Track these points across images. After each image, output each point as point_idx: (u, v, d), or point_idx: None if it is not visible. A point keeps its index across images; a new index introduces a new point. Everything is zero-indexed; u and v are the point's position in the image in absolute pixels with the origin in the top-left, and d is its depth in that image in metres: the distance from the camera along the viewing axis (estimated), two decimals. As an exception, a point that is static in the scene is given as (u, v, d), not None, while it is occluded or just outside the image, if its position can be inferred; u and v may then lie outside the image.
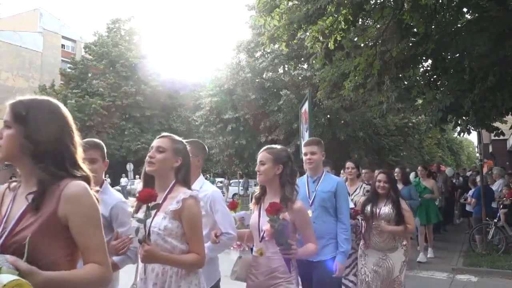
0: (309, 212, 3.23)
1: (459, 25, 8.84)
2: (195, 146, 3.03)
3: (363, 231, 4.34)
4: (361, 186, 5.15)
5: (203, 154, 3.21)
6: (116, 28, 37.57)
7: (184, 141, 2.62)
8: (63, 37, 44.88)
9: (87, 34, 46.73)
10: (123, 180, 29.54)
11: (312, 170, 3.63)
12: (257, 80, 23.18)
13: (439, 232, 10.87)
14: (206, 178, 3.40)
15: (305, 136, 10.26)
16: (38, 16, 42.97)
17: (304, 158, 3.64)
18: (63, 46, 44.93)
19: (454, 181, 14.34)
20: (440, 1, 7.20)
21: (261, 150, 2.97)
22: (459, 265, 7.55)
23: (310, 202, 3.51)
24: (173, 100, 36.39)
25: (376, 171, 4.39)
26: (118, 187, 26.28)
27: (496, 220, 8.33)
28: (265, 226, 2.58)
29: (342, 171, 7.48)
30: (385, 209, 4.17)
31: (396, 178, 6.79)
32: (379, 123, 22.67)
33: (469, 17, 9.21)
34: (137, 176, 30.28)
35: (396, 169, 7.57)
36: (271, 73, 23.34)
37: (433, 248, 8.51)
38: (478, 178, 9.54)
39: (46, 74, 40.29)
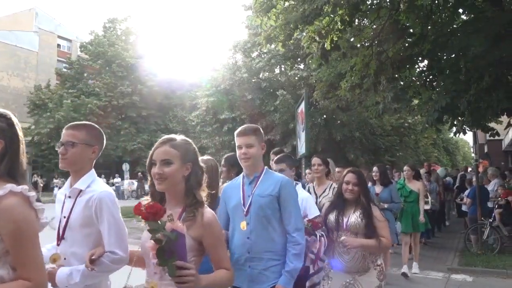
0: (243, 224, 2.66)
1: (455, 26, 8.88)
2: (89, 132, 2.30)
3: (323, 249, 3.22)
4: (331, 185, 4.52)
5: (99, 144, 2.38)
6: (112, 27, 37.47)
7: (77, 124, 2.29)
8: (59, 37, 44.71)
9: (83, 33, 46.73)
10: (116, 181, 28.83)
11: (249, 168, 2.78)
12: (253, 80, 23.19)
13: (429, 237, 10.11)
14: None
15: (302, 136, 10.29)
16: (33, 15, 42.78)
17: (238, 152, 2.77)
18: (58, 45, 44.76)
19: (445, 181, 13.88)
20: (436, 2, 7.24)
21: (158, 143, 2.04)
22: (455, 265, 7.58)
23: (245, 210, 2.70)
24: (169, 100, 36.32)
25: (345, 170, 3.53)
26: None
27: (491, 220, 8.37)
28: (148, 242, 1.74)
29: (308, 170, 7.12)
30: (353, 218, 3.28)
31: (375, 178, 6.34)
32: (375, 123, 22.72)
33: (465, 17, 9.26)
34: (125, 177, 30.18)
35: (374, 168, 6.52)
36: (267, 73, 23.36)
37: (418, 262, 7.27)
38: (474, 178, 9.58)
39: (42, 74, 40.12)
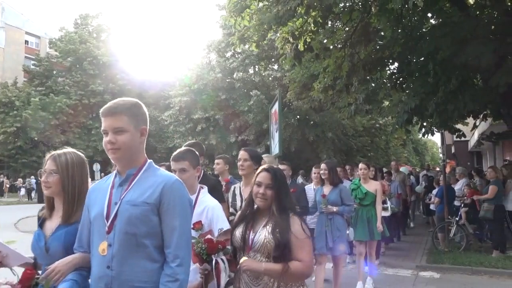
0: (103, 247, 1.85)
1: (424, 30, 9.11)
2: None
3: (223, 280, 2.36)
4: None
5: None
6: (83, 24, 36.66)
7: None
8: (27, 33, 43.41)
9: (53, 30, 45.37)
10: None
11: (119, 162, 1.93)
12: (227, 80, 23.17)
13: (392, 241, 9.28)
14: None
15: (275, 137, 10.33)
16: (0, 10, 41.39)
17: (103, 141, 1.93)
18: (26, 42, 43.47)
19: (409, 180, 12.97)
20: (406, 6, 7.40)
21: None
22: (423, 262, 7.77)
23: (107, 225, 1.86)
24: (142, 99, 34.90)
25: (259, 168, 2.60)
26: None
27: (457, 219, 8.63)
28: None
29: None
30: (262, 234, 2.35)
31: (323, 177, 5.46)
32: (347, 124, 23.10)
33: (433, 22, 9.51)
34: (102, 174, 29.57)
35: (322, 165, 5.54)
36: (241, 73, 23.38)
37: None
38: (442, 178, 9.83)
39: (9, 71, 38.84)
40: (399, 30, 9.12)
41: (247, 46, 13.04)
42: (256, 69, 24.17)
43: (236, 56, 23.67)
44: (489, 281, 6.65)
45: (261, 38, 10.05)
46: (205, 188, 2.91)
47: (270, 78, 22.92)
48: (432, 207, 10.29)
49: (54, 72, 35.27)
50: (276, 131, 10.06)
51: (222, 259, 2.33)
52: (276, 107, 10.20)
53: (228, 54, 24.41)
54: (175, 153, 2.86)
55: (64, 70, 34.78)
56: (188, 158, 2.78)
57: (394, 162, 12.48)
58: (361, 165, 6.28)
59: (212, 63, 24.46)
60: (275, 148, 10.27)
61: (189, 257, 1.90)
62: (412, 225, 12.80)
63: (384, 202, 6.67)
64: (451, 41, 7.56)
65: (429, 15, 9.08)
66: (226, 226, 2.67)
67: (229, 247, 2.42)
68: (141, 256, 1.82)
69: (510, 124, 9.34)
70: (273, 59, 22.74)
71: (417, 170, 17.47)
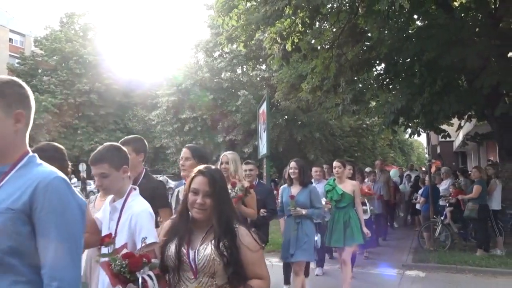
0: None
1: (410, 31, 9.21)
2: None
3: None
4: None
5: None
6: (69, 22, 36.21)
7: None
8: (11, 31, 42.69)
9: (38, 28, 44.76)
10: (73, 181, 28.08)
11: None
12: (215, 80, 23.11)
13: (375, 246, 8.59)
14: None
15: (263, 137, 10.34)
16: (-17, 8, 40.69)
17: None
18: (11, 40, 42.74)
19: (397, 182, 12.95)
20: (393, 8, 7.48)
21: None
22: (409, 261, 7.85)
23: None
24: (129, 98, 35.53)
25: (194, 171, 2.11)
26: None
27: (442, 218, 8.74)
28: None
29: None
30: (205, 250, 1.93)
31: (292, 176, 4.92)
32: (334, 124, 23.23)
33: (419, 23, 9.63)
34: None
35: (292, 163, 4.97)
36: (229, 73, 23.35)
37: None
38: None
39: (-8, 69, 38.18)
40: (386, 32, 9.21)
41: (235, 46, 13.04)
42: (244, 69, 24.15)
43: (224, 56, 23.63)
44: (473, 279, 6.74)
45: (249, 38, 10.06)
46: (136, 190, 2.41)
47: (258, 78, 22.93)
48: (417, 206, 10.40)
49: (40, 71, 34.77)
50: (264, 131, 10.07)
51: (149, 275, 1.87)
52: (264, 107, 10.21)
53: (216, 54, 24.35)
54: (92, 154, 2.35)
55: (49, 69, 34.30)
56: (107, 160, 2.27)
57: (379, 161, 11.84)
58: (335, 163, 5.57)
59: (200, 62, 24.38)
60: (263, 148, 10.28)
61: (72, 279, 1.38)
62: (396, 225, 12.59)
63: (363, 204, 6.02)
64: (437, 42, 7.67)
65: (415, 16, 9.19)
66: (152, 236, 2.16)
67: (155, 260, 1.96)
68: (8, 280, 1.34)
69: (493, 125, 9.50)
70: (261, 59, 22.74)
71: (403, 169, 17.36)
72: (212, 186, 1.96)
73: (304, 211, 4.70)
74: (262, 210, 4.64)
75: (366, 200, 6.58)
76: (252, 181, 4.77)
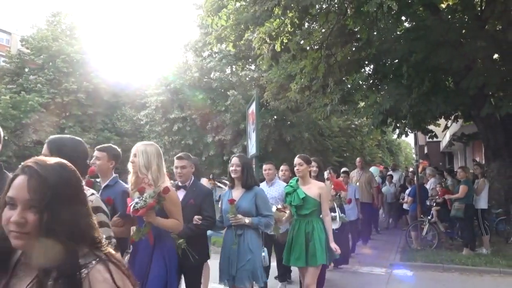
0: None
1: (398, 33, 9.30)
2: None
3: None
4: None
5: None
6: (56, 21, 35.77)
7: None
8: (-3, 29, 42.11)
9: (24, 26, 44.05)
10: None
11: None
12: (204, 80, 23.03)
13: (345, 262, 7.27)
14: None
15: (252, 137, 10.34)
16: (-32, 5, 40.01)
17: None
18: (-4, 38, 42.15)
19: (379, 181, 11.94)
20: (381, 9, 7.53)
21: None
22: (396, 261, 7.92)
23: None
24: (117, 98, 35.23)
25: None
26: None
27: (429, 217, 8.84)
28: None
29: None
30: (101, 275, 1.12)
31: (233, 175, 3.97)
32: (323, 124, 23.32)
33: (407, 25, 9.72)
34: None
35: (234, 159, 3.97)
36: (218, 73, 23.29)
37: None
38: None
39: (-23, 68, 37.55)
40: (375, 33, 9.28)
41: (224, 46, 13.01)
42: (234, 69, 24.11)
43: (214, 56, 23.56)
44: (459, 278, 6.83)
45: (238, 38, 10.05)
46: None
47: (247, 78, 22.90)
48: (405, 206, 10.49)
49: (26, 69, 34.29)
50: (253, 131, 10.06)
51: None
52: (253, 107, 10.21)
53: (205, 54, 24.27)
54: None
55: (36, 67, 33.86)
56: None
57: (359, 158, 10.55)
58: (296, 160, 4.40)
59: (189, 62, 24.29)
60: (252, 149, 10.28)
61: None
62: (378, 231, 11.48)
63: (331, 210, 4.80)
64: (424, 44, 7.75)
65: (403, 18, 9.28)
66: None
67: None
68: None
69: (479, 126, 9.64)
70: (250, 59, 22.72)
71: (387, 168, 16.65)
72: (37, 192, 1.10)
73: (247, 220, 3.74)
74: (196, 218, 3.62)
75: (335, 205, 5.30)
76: (186, 181, 3.85)
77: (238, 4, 9.23)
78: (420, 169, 11.49)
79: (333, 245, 4.18)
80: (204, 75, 23.15)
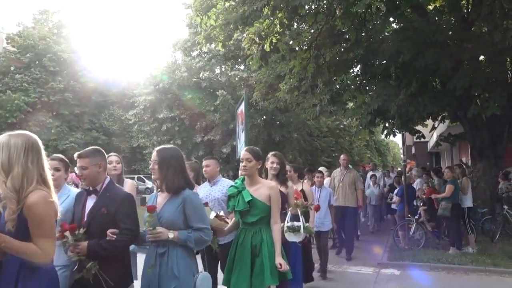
0: None
1: (386, 34, 9.37)
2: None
3: None
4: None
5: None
6: (43, 19, 35.35)
7: None
8: (-18, 27, 41.45)
9: (10, 24, 43.53)
10: None
11: None
12: (193, 80, 22.98)
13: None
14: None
15: (241, 137, 10.34)
16: (-48, 2, 39.32)
17: None
18: (-19, 36, 41.50)
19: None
20: (369, 10, 7.60)
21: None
22: (384, 260, 7.97)
23: None
24: (105, 97, 34.91)
25: None
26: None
27: (417, 217, 8.92)
28: None
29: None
30: None
31: (154, 176, 3.12)
32: (312, 124, 23.42)
33: (395, 26, 9.81)
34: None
35: (153, 154, 3.05)
36: (207, 73, 23.26)
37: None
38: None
39: (-38, 66, 36.90)
40: (363, 33, 9.35)
41: (213, 46, 12.98)
42: (223, 69, 24.10)
43: (203, 56, 23.52)
44: (446, 277, 6.91)
45: (227, 38, 10.06)
46: None
47: (236, 78, 22.90)
48: (393, 206, 10.57)
49: (12, 68, 33.82)
50: (242, 131, 10.06)
51: None
52: (242, 107, 10.21)
53: (194, 54, 24.22)
54: None
55: (22, 66, 33.39)
56: None
57: (344, 155, 8.85)
58: (243, 154, 3.47)
59: (178, 62, 24.20)
60: (241, 149, 10.27)
61: None
62: (359, 234, 10.45)
63: (294, 217, 3.94)
64: (412, 45, 7.82)
65: (391, 19, 9.36)
66: None
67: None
68: None
69: (466, 126, 9.77)
70: (239, 59, 22.74)
71: (367, 169, 15.03)
72: None
73: (170, 234, 2.77)
74: (109, 232, 2.73)
75: (299, 213, 3.95)
76: (95, 184, 2.95)
77: (227, 4, 9.22)
78: (407, 169, 11.59)
79: (279, 261, 3.24)
80: (193, 74, 23.09)
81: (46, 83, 32.38)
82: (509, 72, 9.29)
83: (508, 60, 9.14)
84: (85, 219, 2.85)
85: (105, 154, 3.13)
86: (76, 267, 2.77)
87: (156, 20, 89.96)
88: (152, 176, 3.06)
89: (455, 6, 8.69)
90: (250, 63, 10.31)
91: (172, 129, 23.27)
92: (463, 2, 9.13)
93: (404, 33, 8.28)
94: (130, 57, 57.14)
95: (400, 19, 9.02)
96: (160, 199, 2.99)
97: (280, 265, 3.23)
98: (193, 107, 22.73)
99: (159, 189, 3.04)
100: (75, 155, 3.04)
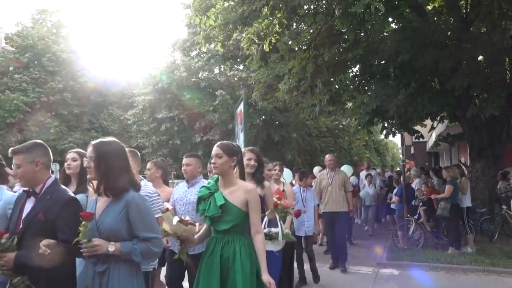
0: None
1: (385, 34, 9.38)
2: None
3: None
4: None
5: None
6: (42, 19, 35.31)
7: None
8: (-19, 27, 41.40)
9: (9, 24, 43.42)
10: None
11: None
12: (192, 80, 22.97)
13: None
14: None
15: (240, 137, 10.35)
16: (-49, 2, 39.26)
17: None
18: (-20, 36, 41.44)
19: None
20: (368, 10, 7.60)
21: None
22: (383, 260, 7.98)
23: None
24: (104, 97, 34.88)
25: None
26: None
27: (416, 217, 8.93)
28: None
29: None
30: None
31: (90, 176, 2.61)
32: (311, 124, 23.42)
33: (394, 26, 9.82)
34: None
35: (88, 150, 2.45)
36: (206, 73, 23.25)
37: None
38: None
39: (-40, 66, 36.84)
40: (362, 34, 9.35)
41: (212, 46, 12.98)
42: (222, 69, 24.09)
43: (202, 56, 23.51)
44: (445, 277, 6.91)
45: (226, 38, 10.05)
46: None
47: (235, 78, 22.89)
48: (392, 206, 10.58)
49: (11, 68, 33.77)
50: (241, 131, 10.06)
51: None
52: (241, 107, 10.21)
53: (193, 53, 24.21)
54: None
55: (21, 66, 33.35)
56: None
57: (329, 156, 7.64)
58: (214, 150, 2.91)
59: (177, 62, 24.19)
60: (240, 148, 10.27)
61: None
62: (353, 239, 9.80)
63: (269, 223, 3.53)
64: (411, 45, 7.83)
65: (390, 19, 9.36)
66: None
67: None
68: None
69: (465, 126, 9.78)
70: (238, 59, 22.73)
71: (361, 169, 14.07)
72: None
73: (111, 247, 2.24)
74: (43, 244, 2.21)
75: (277, 218, 3.44)
76: (34, 185, 2.53)
77: (226, 4, 9.22)
78: (406, 169, 11.60)
79: (267, 278, 2.72)
80: (192, 74, 23.09)
81: (45, 83, 32.36)
82: (507, 72, 9.30)
83: (507, 60, 9.15)
84: (21, 225, 2.40)
85: (49, 149, 2.67)
86: (8, 285, 2.31)
87: (155, 20, 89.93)
88: (88, 176, 2.49)
89: (454, 6, 8.70)
90: (250, 63, 10.31)
91: (171, 129, 23.26)
92: (462, 2, 9.14)
93: (403, 33, 8.29)
94: (129, 57, 57.08)
95: (399, 19, 9.03)
96: (100, 203, 2.42)
97: (270, 283, 2.69)
98: (192, 107, 22.72)
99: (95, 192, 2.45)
100: (9, 151, 2.55)
